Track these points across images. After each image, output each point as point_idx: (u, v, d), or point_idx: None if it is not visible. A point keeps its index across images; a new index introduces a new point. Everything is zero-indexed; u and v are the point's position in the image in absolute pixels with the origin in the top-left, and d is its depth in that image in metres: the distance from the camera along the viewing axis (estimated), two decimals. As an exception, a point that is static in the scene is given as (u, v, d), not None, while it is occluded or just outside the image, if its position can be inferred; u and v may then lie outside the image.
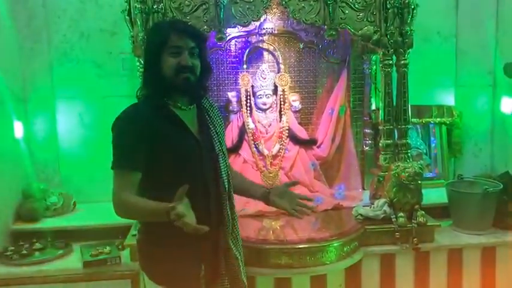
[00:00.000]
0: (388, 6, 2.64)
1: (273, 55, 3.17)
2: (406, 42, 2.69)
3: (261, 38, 3.13)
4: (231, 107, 3.12)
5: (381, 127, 2.83)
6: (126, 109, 1.90)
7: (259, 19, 2.67)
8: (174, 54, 1.87)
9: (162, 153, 1.84)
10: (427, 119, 3.41)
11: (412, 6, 2.65)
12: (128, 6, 2.58)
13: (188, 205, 1.69)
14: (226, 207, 1.97)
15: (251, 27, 2.93)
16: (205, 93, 2.04)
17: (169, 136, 1.87)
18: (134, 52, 2.59)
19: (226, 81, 3.16)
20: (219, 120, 2.05)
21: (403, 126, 2.77)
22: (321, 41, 3.15)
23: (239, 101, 3.09)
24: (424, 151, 3.40)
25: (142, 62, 2.52)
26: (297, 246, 2.40)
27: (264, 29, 3.09)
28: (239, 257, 1.99)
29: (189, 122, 1.94)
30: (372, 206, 2.71)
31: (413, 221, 2.59)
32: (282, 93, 3.09)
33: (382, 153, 2.80)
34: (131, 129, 1.83)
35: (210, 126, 2.01)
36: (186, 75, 1.88)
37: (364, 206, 2.75)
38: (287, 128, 3.07)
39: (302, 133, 3.14)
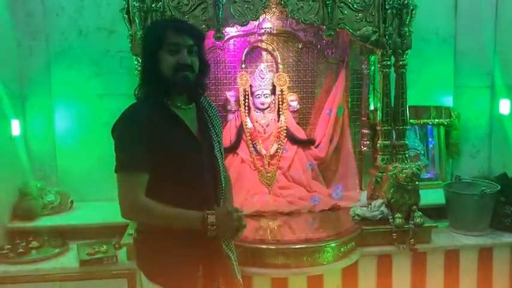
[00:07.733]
0: (387, 6, 2.64)
1: (272, 55, 3.17)
2: (404, 43, 2.69)
3: (259, 37, 3.12)
4: (229, 107, 3.12)
5: (378, 128, 2.83)
6: (126, 110, 1.87)
7: (257, 19, 2.66)
8: (172, 52, 1.85)
9: (163, 154, 1.82)
10: (425, 120, 3.41)
11: (411, 7, 2.66)
12: (126, 5, 2.58)
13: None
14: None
15: (250, 26, 2.92)
16: (204, 92, 2.02)
17: (171, 136, 1.85)
18: (132, 50, 2.58)
19: (225, 81, 3.16)
20: (217, 120, 2.04)
21: (401, 127, 2.78)
22: (319, 41, 3.15)
23: (237, 100, 3.09)
24: (422, 152, 3.40)
25: (140, 60, 2.54)
26: (294, 247, 2.40)
27: (262, 28, 3.09)
28: (231, 256, 1.98)
29: (189, 121, 1.93)
30: (369, 206, 2.71)
31: (410, 221, 2.60)
32: (280, 93, 3.08)
33: (380, 153, 2.80)
34: (134, 131, 1.80)
35: (210, 126, 1.99)
36: (185, 74, 1.86)
37: (361, 207, 2.75)
38: (285, 127, 3.07)
39: (300, 133, 3.14)
